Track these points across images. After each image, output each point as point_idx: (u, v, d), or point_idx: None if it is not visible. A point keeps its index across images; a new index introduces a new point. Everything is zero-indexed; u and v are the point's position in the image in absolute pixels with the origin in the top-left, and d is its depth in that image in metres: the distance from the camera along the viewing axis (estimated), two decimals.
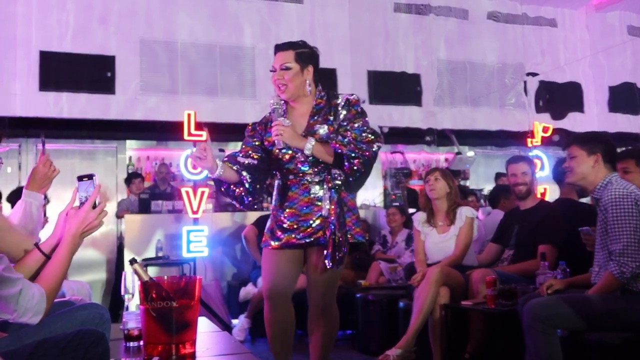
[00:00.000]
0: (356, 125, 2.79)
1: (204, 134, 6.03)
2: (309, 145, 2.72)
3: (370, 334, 4.54)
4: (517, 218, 4.03)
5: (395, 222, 5.71)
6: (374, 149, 2.78)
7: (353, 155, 2.70)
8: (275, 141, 2.73)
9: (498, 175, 7.58)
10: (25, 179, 2.94)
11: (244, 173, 2.83)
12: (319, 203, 2.82)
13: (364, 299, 4.61)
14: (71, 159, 7.46)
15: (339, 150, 2.71)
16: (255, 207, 3.05)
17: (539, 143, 7.59)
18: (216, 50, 7.50)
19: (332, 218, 2.76)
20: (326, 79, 7.69)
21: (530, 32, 9.35)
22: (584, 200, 4.20)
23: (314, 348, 2.98)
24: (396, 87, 8.42)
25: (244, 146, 2.94)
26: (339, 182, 2.82)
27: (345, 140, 2.73)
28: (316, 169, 2.83)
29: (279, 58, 2.85)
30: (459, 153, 7.81)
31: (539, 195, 4.67)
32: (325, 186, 2.81)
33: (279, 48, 2.88)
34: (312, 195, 2.83)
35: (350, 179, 2.79)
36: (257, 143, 2.93)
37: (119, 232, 7.13)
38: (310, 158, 2.79)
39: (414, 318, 3.55)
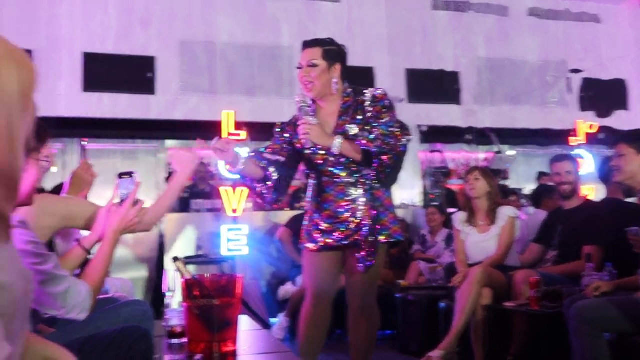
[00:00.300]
0: (383, 120, 2.75)
1: (243, 134, 6.07)
2: (337, 143, 2.69)
3: (410, 335, 4.50)
4: (561, 218, 3.94)
5: (434, 222, 5.66)
6: (402, 143, 2.74)
7: (381, 151, 2.67)
8: (303, 140, 2.71)
9: (540, 175, 7.42)
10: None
11: (271, 169, 2.82)
12: (354, 205, 2.80)
13: (404, 299, 4.57)
14: (113, 159, 7.60)
15: (366, 147, 2.68)
16: (278, 204, 3.05)
17: (583, 141, 7.41)
18: (254, 51, 7.54)
19: (366, 221, 2.75)
20: (364, 78, 7.73)
21: (573, 28, 9.14)
22: (630, 200, 4.08)
23: (354, 348, 2.97)
24: (435, 85, 8.34)
25: (272, 144, 2.93)
26: (373, 183, 2.80)
27: (372, 136, 2.70)
28: (350, 171, 2.81)
29: (306, 55, 2.81)
30: (499, 152, 7.69)
31: (583, 195, 4.55)
32: (360, 188, 2.80)
33: (307, 44, 2.84)
34: (348, 197, 2.82)
35: (381, 176, 2.76)
36: (285, 142, 2.91)
37: (160, 230, 7.24)
38: (344, 160, 2.77)
39: (456, 319, 3.50)
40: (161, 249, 6.80)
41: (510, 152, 7.95)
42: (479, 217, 3.97)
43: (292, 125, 2.92)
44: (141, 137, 7.65)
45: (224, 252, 5.72)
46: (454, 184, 8.45)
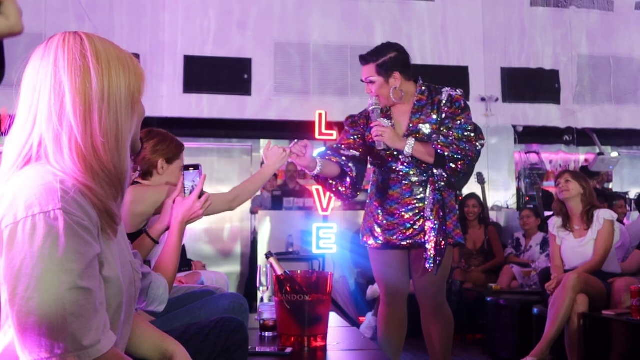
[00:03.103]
0: (458, 123, 2.74)
1: (335, 134, 6.14)
2: (409, 146, 2.68)
3: (501, 340, 4.40)
4: None
5: (529, 225, 5.50)
6: (477, 148, 2.73)
7: (456, 157, 2.66)
8: (376, 142, 2.71)
9: None
10: None
11: (350, 165, 2.84)
12: (421, 204, 2.78)
13: (495, 303, 4.48)
14: (210, 157, 7.92)
15: (441, 152, 2.67)
16: (354, 198, 3.04)
17: None
18: (347, 51, 7.59)
19: (435, 221, 2.72)
20: (458, 77, 7.59)
21: None
22: None
23: (432, 350, 2.95)
24: (532, 84, 8.07)
25: (345, 138, 2.94)
26: (443, 184, 2.77)
27: (448, 140, 2.69)
28: (419, 170, 2.80)
29: (363, 71, 2.85)
30: (601, 154, 7.33)
31: None
32: (429, 188, 2.77)
33: (362, 60, 2.86)
34: (414, 196, 2.80)
35: (452, 180, 2.74)
36: (358, 135, 2.92)
37: (253, 227, 7.46)
38: (413, 158, 2.76)
39: (549, 326, 3.40)
40: (254, 246, 7.01)
41: (613, 153, 7.56)
42: (574, 221, 3.83)
43: (364, 118, 2.93)
44: (237, 136, 7.90)
45: (314, 249, 5.82)
46: (551, 187, 8.16)
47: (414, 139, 2.71)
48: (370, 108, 2.78)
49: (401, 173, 2.83)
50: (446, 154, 2.66)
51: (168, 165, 2.33)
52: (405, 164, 2.81)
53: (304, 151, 2.63)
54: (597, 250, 3.68)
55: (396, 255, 2.88)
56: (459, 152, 2.66)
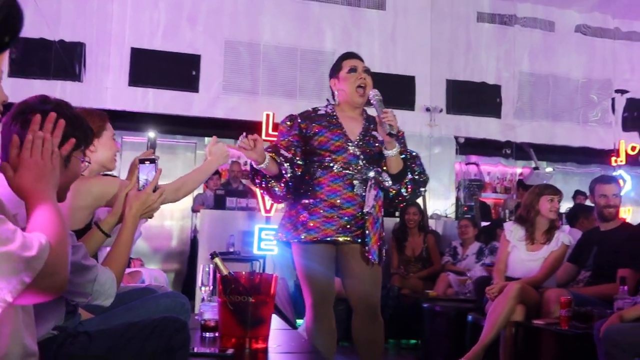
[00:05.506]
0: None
1: None
2: (396, 148, 2.78)
3: (436, 345, 4.50)
4: (596, 239, 3.89)
5: (466, 235, 5.64)
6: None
7: (425, 180, 2.94)
8: (386, 126, 2.67)
9: (576, 193, 7.34)
10: None
11: (286, 165, 2.75)
12: (361, 201, 2.78)
13: (431, 310, 4.57)
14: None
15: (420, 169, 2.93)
16: (285, 200, 2.99)
17: (624, 162, 7.29)
18: (297, 53, 7.62)
19: (379, 215, 2.78)
20: (405, 86, 7.73)
21: (621, 47, 8.98)
22: None
23: (364, 356, 2.90)
24: (475, 97, 8.30)
25: (283, 139, 2.86)
26: (388, 184, 2.82)
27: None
28: (367, 166, 2.81)
29: (359, 62, 2.92)
30: (536, 168, 7.61)
31: (621, 217, 4.48)
32: (370, 184, 2.78)
33: (357, 56, 2.98)
34: (355, 192, 2.79)
35: (407, 197, 2.94)
36: (296, 137, 2.85)
37: (194, 225, 7.36)
38: (363, 155, 2.81)
39: (486, 332, 3.49)
40: (194, 244, 6.92)
41: (548, 168, 7.86)
42: (536, 235, 3.90)
43: (308, 121, 2.88)
44: (181, 133, 7.79)
45: (255, 250, 5.80)
46: (488, 198, 8.41)
47: (398, 146, 2.80)
48: (375, 98, 2.79)
49: (347, 167, 2.80)
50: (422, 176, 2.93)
51: (97, 139, 2.28)
52: (355, 158, 2.80)
53: (251, 145, 2.56)
54: (544, 268, 3.76)
55: (324, 254, 2.79)
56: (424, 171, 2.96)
